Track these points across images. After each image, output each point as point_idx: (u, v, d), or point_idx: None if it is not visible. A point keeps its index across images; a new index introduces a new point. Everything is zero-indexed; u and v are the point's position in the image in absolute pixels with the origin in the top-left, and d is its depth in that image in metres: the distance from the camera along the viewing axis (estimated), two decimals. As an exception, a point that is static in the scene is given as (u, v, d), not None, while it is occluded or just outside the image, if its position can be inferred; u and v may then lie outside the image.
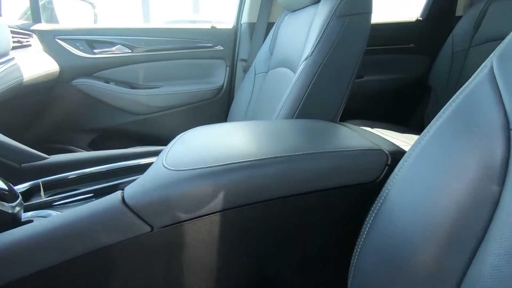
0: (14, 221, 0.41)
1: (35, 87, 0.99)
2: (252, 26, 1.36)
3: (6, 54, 0.91)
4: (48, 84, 1.10)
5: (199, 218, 0.40)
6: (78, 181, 0.60)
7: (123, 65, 1.28)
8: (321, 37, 0.71)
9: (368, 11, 0.74)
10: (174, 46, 1.35)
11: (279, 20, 1.09)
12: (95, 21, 1.45)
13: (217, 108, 1.42)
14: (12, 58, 0.92)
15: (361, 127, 0.77)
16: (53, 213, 0.45)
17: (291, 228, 0.45)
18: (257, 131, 0.56)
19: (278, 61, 1.00)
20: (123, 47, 1.27)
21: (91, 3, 1.45)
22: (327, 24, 0.71)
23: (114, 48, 1.27)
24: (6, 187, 0.40)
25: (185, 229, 0.40)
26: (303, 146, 0.48)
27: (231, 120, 1.21)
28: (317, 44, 0.71)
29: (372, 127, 1.21)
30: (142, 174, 0.61)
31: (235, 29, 1.41)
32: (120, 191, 0.40)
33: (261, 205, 0.42)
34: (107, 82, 1.28)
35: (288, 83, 0.84)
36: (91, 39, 1.24)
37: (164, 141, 1.31)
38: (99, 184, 0.60)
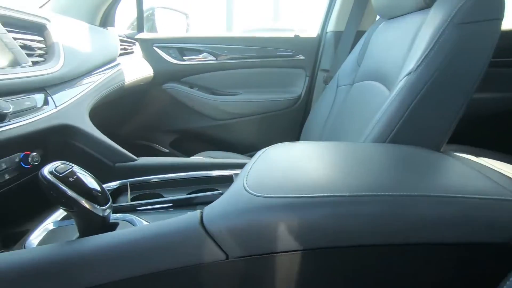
0: (103, 223, 0.43)
1: (133, 90, 1.11)
2: (338, 34, 1.28)
3: (114, 60, 1.03)
4: (143, 87, 1.22)
5: (279, 254, 0.35)
6: (161, 185, 0.63)
7: (207, 71, 1.35)
8: (431, 49, 0.60)
9: (497, 17, 0.60)
10: (255, 55, 1.36)
11: (372, 28, 0.98)
12: (187, 30, 1.57)
13: (293, 118, 1.38)
14: (118, 64, 1.04)
15: (471, 158, 0.62)
16: (135, 218, 0.46)
17: (385, 282, 0.37)
18: (348, 156, 0.49)
19: (368, 74, 0.90)
20: (209, 54, 1.34)
21: (185, 14, 1.57)
22: (441, 33, 0.59)
23: (201, 56, 1.35)
24: (99, 189, 0.42)
25: (261, 263, 0.36)
26: (408, 183, 0.39)
27: (307, 133, 1.14)
28: (425, 57, 0.60)
29: (477, 156, 1.00)
30: (221, 186, 0.61)
31: (319, 38, 1.35)
32: (199, 211, 0.38)
33: (351, 250, 0.35)
34: (191, 87, 1.36)
35: (379, 99, 0.74)
36: (182, 47, 1.33)
37: (240, 147, 1.35)
38: (179, 190, 0.61)
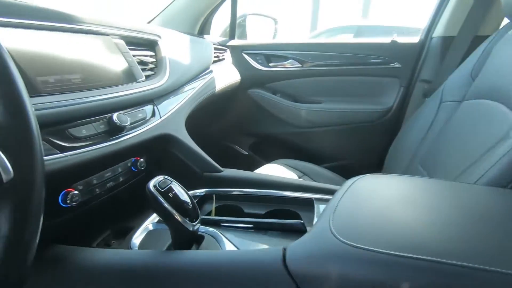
0: (192, 236, 0.47)
1: (222, 95, 1.18)
2: (448, 40, 1.11)
3: (208, 68, 1.11)
4: (230, 93, 1.29)
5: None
6: (242, 198, 0.65)
7: (291, 78, 1.34)
8: None
9: None
10: (343, 62, 1.29)
11: (498, 34, 0.81)
12: (275, 36, 1.59)
13: (380, 133, 1.26)
14: (211, 71, 1.12)
15: None
16: (219, 235, 0.49)
17: None
18: (459, 202, 0.41)
19: (485, 91, 0.75)
20: (295, 61, 1.33)
21: (274, 19, 1.59)
22: None
23: (286, 62, 1.34)
24: (192, 206, 0.46)
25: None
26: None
27: (396, 152, 1.03)
28: None
29: None
30: (300, 209, 0.60)
31: (422, 44, 1.19)
32: (282, 248, 0.37)
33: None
34: (274, 93, 1.38)
35: (499, 126, 0.61)
36: (269, 54, 1.35)
37: (318, 158, 1.31)
38: (258, 206, 0.63)
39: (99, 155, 0.51)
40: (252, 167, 1.11)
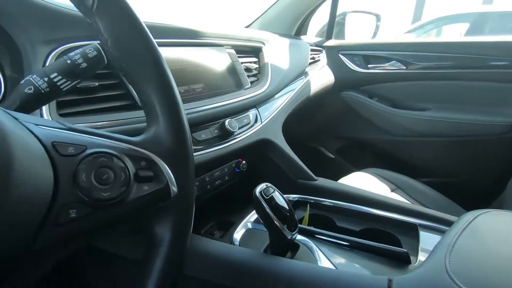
0: (289, 244, 0.50)
1: (314, 98, 1.17)
2: None
3: (304, 70, 1.12)
4: (322, 95, 1.27)
5: None
6: (334, 210, 0.65)
7: (391, 81, 1.24)
8: None
9: None
10: (457, 64, 1.11)
11: None
12: (375, 34, 1.48)
13: (502, 151, 1.06)
14: (307, 74, 1.12)
15: None
16: (315, 248, 0.50)
17: None
18: None
19: None
20: (398, 63, 1.21)
21: (376, 15, 1.47)
22: None
23: (387, 64, 1.24)
24: (292, 217, 0.48)
25: None
26: None
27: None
28: None
29: None
30: (399, 233, 0.56)
31: None
32: (387, 279, 0.36)
33: None
34: (370, 96, 1.29)
35: None
36: (369, 54, 1.27)
37: (413, 170, 1.19)
38: (351, 222, 0.61)
39: (213, 157, 0.58)
40: (338, 172, 1.08)
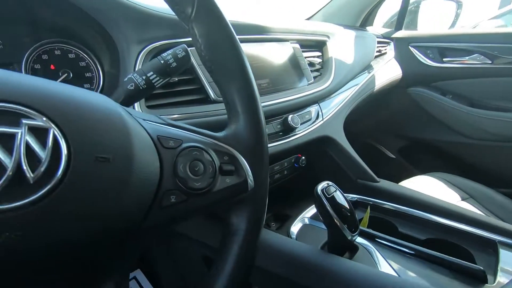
0: (348, 244, 0.49)
1: (379, 93, 1.11)
2: None
3: (368, 64, 1.06)
4: (387, 90, 1.19)
5: None
6: (397, 215, 0.62)
7: (471, 77, 1.10)
8: None
9: None
10: None
11: None
12: (454, 23, 1.32)
13: None
14: (372, 68, 1.06)
15: None
16: (375, 252, 0.49)
17: None
18: None
19: None
20: (482, 56, 1.07)
21: (457, 2, 1.31)
22: None
23: (467, 58, 1.11)
24: (353, 218, 0.47)
25: None
26: None
27: None
28: None
29: None
30: (474, 248, 0.51)
31: None
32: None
33: None
34: (443, 94, 1.17)
35: None
36: (445, 47, 1.15)
37: (494, 179, 1.05)
38: (416, 230, 0.58)
39: (274, 152, 0.60)
40: (398, 174, 1.01)
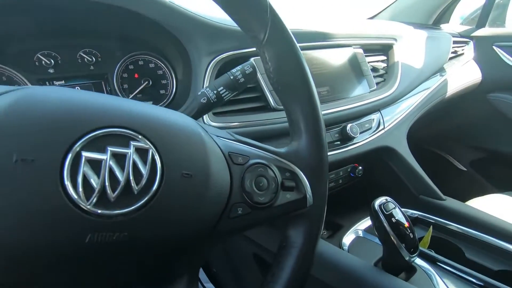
0: (405, 265, 0.47)
1: (451, 99, 1.00)
2: None
3: (441, 67, 0.96)
4: (462, 96, 1.08)
5: None
6: (465, 239, 0.57)
7: None
8: None
9: None
10: None
11: None
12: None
13: None
14: (445, 72, 0.96)
15: None
16: (435, 277, 0.46)
17: None
18: None
19: None
20: None
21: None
22: None
23: None
24: (413, 238, 0.45)
25: None
26: None
27: None
28: None
29: None
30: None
31: None
32: None
33: None
34: (533, 102, 1.01)
35: None
36: (541, 47, 0.99)
37: None
38: (486, 257, 0.53)
39: (330, 160, 0.60)
40: (469, 189, 0.92)
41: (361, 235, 0.60)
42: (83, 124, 0.20)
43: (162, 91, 0.60)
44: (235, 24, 0.31)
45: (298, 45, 0.31)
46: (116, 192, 0.20)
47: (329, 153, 0.61)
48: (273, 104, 0.56)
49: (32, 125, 0.19)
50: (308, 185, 0.31)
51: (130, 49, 0.56)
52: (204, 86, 0.52)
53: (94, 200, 0.20)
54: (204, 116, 0.51)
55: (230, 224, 0.27)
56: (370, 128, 0.68)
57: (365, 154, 0.67)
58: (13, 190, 0.18)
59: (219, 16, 0.55)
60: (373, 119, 0.70)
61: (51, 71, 0.50)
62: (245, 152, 0.29)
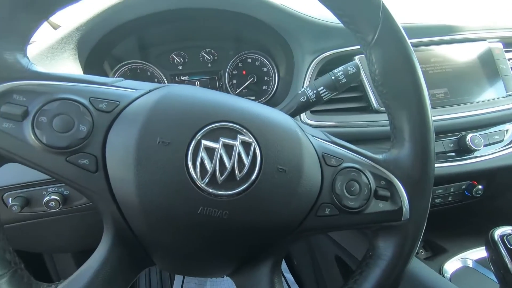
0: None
1: None
2: None
3: None
4: None
5: None
6: None
7: None
8: None
9: None
10: None
11: None
12: None
13: None
14: None
15: None
16: None
17: None
18: None
19: None
20: None
21: None
22: None
23: None
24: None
25: None
26: None
27: None
28: None
29: None
30: None
31: None
32: None
33: None
34: None
35: None
36: None
37: None
38: None
39: (440, 173, 0.52)
40: None
41: (471, 265, 0.51)
42: (204, 117, 0.25)
43: (264, 87, 0.64)
44: (339, 21, 0.30)
45: (411, 42, 0.29)
46: (223, 176, 0.24)
47: (438, 165, 0.53)
48: (375, 105, 0.53)
49: (170, 115, 0.24)
50: (406, 198, 0.29)
51: (242, 48, 0.62)
52: (305, 85, 0.53)
53: (207, 180, 0.24)
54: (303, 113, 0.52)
55: (316, 222, 0.28)
56: (501, 141, 0.56)
57: (490, 172, 0.55)
58: (155, 165, 0.23)
59: (325, 14, 0.55)
60: (507, 130, 0.57)
61: (180, 68, 0.61)
62: (339, 154, 0.29)
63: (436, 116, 0.53)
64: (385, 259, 0.29)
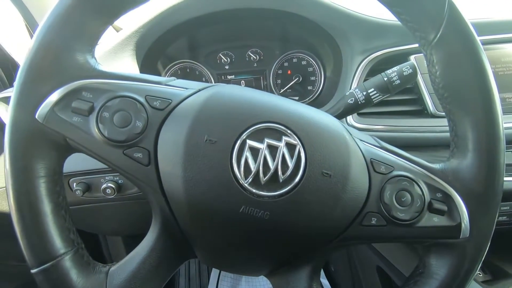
0: None
1: None
2: None
3: None
4: None
5: None
6: None
7: None
8: None
9: None
10: None
11: None
12: None
13: None
14: None
15: None
16: None
17: None
18: None
19: None
20: None
21: None
22: None
23: None
24: None
25: None
26: None
27: None
28: None
29: None
30: None
31: None
32: None
33: None
34: None
35: None
36: None
37: None
38: None
39: (508, 188, 0.46)
40: None
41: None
42: (250, 118, 0.25)
43: (309, 87, 0.63)
44: (394, 18, 0.28)
45: (480, 40, 0.25)
46: (266, 177, 0.24)
47: (507, 178, 0.47)
48: (432, 109, 0.49)
49: (218, 115, 0.25)
50: (466, 213, 0.26)
51: (288, 48, 0.61)
52: (353, 86, 0.50)
53: (250, 180, 0.24)
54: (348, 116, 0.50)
55: (360, 231, 0.26)
56: None
57: None
58: (202, 162, 0.24)
59: (376, 12, 0.52)
60: None
61: (227, 67, 0.62)
62: (389, 161, 0.27)
63: (508, 123, 0.47)
64: (437, 279, 0.27)
